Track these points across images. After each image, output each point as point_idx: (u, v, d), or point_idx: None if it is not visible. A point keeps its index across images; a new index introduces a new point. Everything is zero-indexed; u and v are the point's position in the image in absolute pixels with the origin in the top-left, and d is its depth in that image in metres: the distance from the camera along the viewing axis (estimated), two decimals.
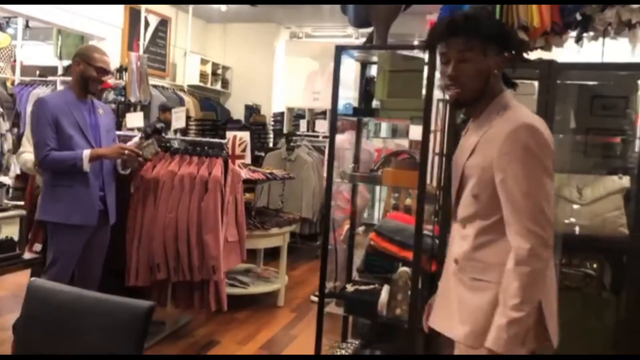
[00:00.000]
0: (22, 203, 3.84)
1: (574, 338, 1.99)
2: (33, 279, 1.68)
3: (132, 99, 5.65)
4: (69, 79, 3.17)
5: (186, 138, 3.91)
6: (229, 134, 4.27)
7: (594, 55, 2.72)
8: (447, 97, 2.60)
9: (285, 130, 7.41)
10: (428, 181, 2.59)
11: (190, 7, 7.39)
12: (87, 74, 2.84)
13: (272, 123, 7.79)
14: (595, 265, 2.61)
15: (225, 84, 8.15)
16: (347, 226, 3.30)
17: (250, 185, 4.69)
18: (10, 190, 5.36)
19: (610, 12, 2.42)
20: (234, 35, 8.14)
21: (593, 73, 2.70)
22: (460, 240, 1.68)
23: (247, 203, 4.38)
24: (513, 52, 1.64)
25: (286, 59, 8.23)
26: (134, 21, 6.54)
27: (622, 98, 2.66)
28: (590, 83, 2.76)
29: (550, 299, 1.60)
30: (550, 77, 2.40)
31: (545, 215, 1.49)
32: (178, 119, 4.10)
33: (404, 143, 5.29)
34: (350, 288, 2.77)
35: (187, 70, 7.54)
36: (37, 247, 3.30)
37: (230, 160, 3.58)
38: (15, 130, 4.93)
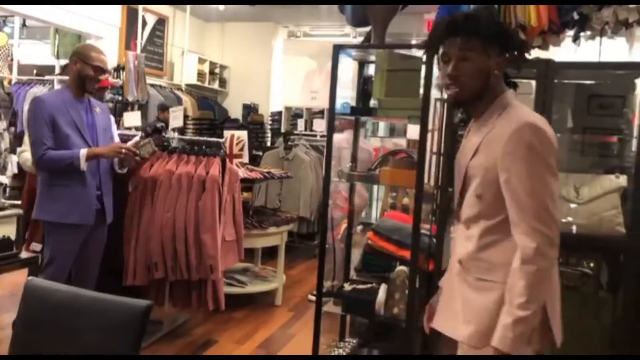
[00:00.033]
0: (19, 202, 3.83)
1: (571, 337, 1.99)
2: (30, 278, 1.68)
3: (130, 98, 5.65)
4: (66, 78, 3.17)
5: (184, 137, 3.91)
6: (227, 133, 4.28)
7: (591, 55, 2.72)
8: (445, 96, 2.61)
9: (283, 130, 7.41)
10: (425, 180, 2.59)
11: (188, 6, 7.38)
12: (84, 73, 2.84)
13: (270, 122, 7.78)
14: (592, 264, 2.61)
15: (223, 83, 8.14)
16: (344, 225, 3.31)
17: (247, 184, 4.69)
18: (7, 189, 5.35)
19: (608, 12, 2.43)
20: (231, 35, 8.13)
21: (590, 72, 2.71)
22: (464, 241, 1.67)
23: (245, 202, 4.37)
24: (515, 52, 1.64)
25: (284, 58, 8.22)
26: (131, 20, 6.53)
27: (619, 97, 2.67)
28: (588, 82, 2.76)
29: (554, 299, 1.60)
30: (547, 76, 2.40)
31: (551, 214, 1.49)
32: (175, 118, 4.10)
33: (401, 142, 5.29)
34: (347, 287, 2.77)
35: (184, 70, 7.53)
36: (36, 246, 3.30)
37: (227, 160, 3.57)
38: (12, 129, 4.92)
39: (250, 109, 7.88)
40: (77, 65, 2.85)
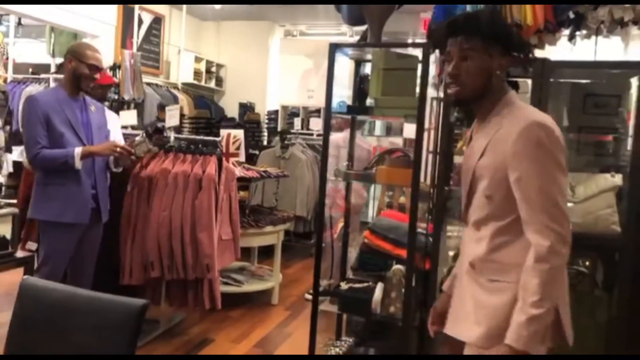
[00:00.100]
0: (14, 201, 3.82)
1: None
2: (26, 277, 1.67)
3: (126, 97, 5.63)
4: (61, 76, 3.15)
5: (180, 136, 3.90)
6: (223, 132, 4.27)
7: (587, 54, 2.73)
8: (442, 95, 2.62)
9: (279, 128, 7.41)
10: (422, 179, 2.60)
11: (184, 4, 7.36)
12: (79, 71, 2.83)
13: (267, 121, 7.77)
14: (587, 263, 2.62)
15: (219, 81, 8.13)
16: (341, 224, 3.31)
17: (244, 183, 4.68)
18: (3, 188, 5.33)
19: (603, 11, 2.44)
20: (228, 33, 8.11)
21: (586, 71, 2.72)
22: (474, 243, 1.66)
23: (241, 201, 4.37)
24: (517, 53, 1.65)
25: (280, 57, 8.22)
26: (127, 19, 6.51)
27: (615, 96, 2.68)
28: (583, 81, 2.77)
29: (564, 298, 1.60)
30: (543, 75, 2.41)
31: (562, 211, 1.50)
32: (172, 117, 4.09)
33: (398, 141, 5.29)
34: (344, 286, 2.77)
35: (181, 68, 7.51)
36: (32, 245, 3.29)
37: (224, 158, 3.57)
38: (8, 128, 4.90)
39: (246, 108, 7.87)
40: (72, 63, 2.84)
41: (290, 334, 3.90)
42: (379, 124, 6.31)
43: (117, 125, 3.68)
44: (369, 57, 2.87)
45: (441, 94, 2.65)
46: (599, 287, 2.66)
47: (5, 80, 5.91)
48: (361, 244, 2.85)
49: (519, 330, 1.46)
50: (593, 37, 2.64)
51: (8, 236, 3.07)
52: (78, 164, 2.75)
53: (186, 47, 7.60)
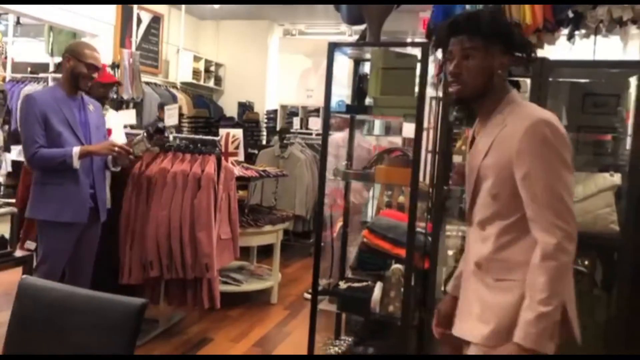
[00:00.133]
0: (13, 200, 3.81)
1: None
2: (24, 276, 1.67)
3: (125, 96, 5.63)
4: (60, 76, 3.15)
5: (180, 135, 3.90)
6: (222, 131, 4.26)
7: (586, 53, 2.73)
8: (441, 94, 2.62)
9: (278, 128, 7.40)
10: (421, 178, 2.60)
11: (183, 4, 7.36)
12: (77, 70, 2.82)
13: (266, 120, 7.77)
14: (586, 262, 2.62)
15: (218, 81, 8.12)
16: (340, 223, 3.31)
17: (243, 182, 4.68)
18: (2, 188, 5.33)
19: (602, 10, 2.44)
20: (227, 33, 8.11)
21: (585, 71, 2.72)
22: (479, 243, 1.66)
23: (240, 200, 4.37)
24: (519, 52, 1.65)
25: (279, 56, 8.21)
26: (126, 18, 6.50)
27: (614, 96, 2.67)
28: (582, 81, 2.77)
29: (571, 295, 1.60)
30: (542, 75, 2.41)
31: (568, 208, 1.50)
32: (170, 117, 4.09)
33: (397, 140, 5.29)
34: (343, 285, 2.77)
35: (179, 67, 7.51)
36: (30, 244, 3.28)
37: (223, 158, 3.57)
38: (6, 127, 4.90)
39: (245, 107, 7.87)
40: (70, 62, 2.83)
41: (289, 333, 3.90)
42: (378, 124, 6.31)
43: (120, 125, 3.67)
44: (368, 56, 2.87)
45: (440, 94, 2.65)
46: (598, 287, 2.67)
47: (3, 80, 5.91)
48: (360, 243, 2.85)
49: (528, 328, 1.46)
50: (592, 37, 2.64)
51: (7, 235, 3.07)
52: (76, 163, 2.75)
53: (185, 46, 7.59)
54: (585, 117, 2.71)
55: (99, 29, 6.00)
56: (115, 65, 5.76)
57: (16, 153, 4.85)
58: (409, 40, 6.41)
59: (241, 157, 4.33)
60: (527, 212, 1.54)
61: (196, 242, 3.29)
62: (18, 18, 6.72)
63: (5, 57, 6.14)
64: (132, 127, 4.33)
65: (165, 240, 3.30)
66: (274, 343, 3.72)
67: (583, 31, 2.64)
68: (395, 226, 2.77)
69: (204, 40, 8.15)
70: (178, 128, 5.70)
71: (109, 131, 3.38)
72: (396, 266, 2.66)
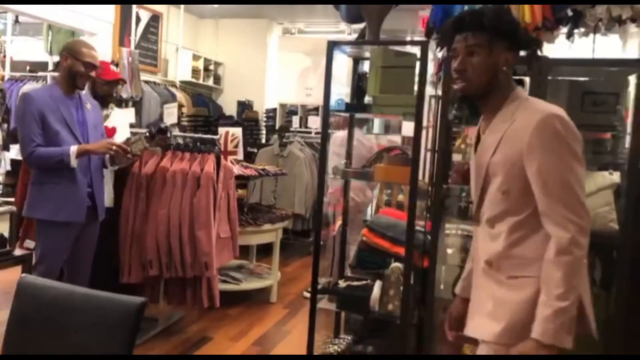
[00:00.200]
0: (12, 199, 3.81)
1: None
2: (24, 275, 1.67)
3: (124, 95, 5.62)
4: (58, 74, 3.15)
5: (179, 134, 3.90)
6: (222, 130, 4.26)
7: (585, 52, 2.73)
8: (440, 93, 2.62)
9: (277, 126, 7.40)
10: (420, 177, 2.60)
11: (182, 3, 7.35)
12: (74, 69, 2.81)
13: (265, 119, 7.76)
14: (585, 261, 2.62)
15: (217, 79, 8.11)
16: (339, 222, 3.31)
17: (242, 181, 4.68)
18: (1, 186, 5.32)
19: (601, 8, 2.44)
20: (226, 31, 8.10)
21: (584, 69, 2.71)
22: (489, 241, 1.65)
23: (240, 199, 4.37)
24: (524, 49, 1.64)
25: (279, 55, 8.20)
26: (125, 16, 6.49)
27: (613, 94, 2.67)
28: (581, 79, 2.76)
29: (587, 289, 1.61)
30: (541, 73, 2.41)
31: (581, 202, 1.50)
32: (170, 115, 4.09)
33: (396, 139, 5.30)
34: (342, 284, 2.77)
35: (179, 66, 7.50)
36: (30, 243, 3.28)
37: (222, 156, 3.57)
38: (5, 126, 4.89)
39: (244, 106, 7.86)
40: (67, 61, 2.82)
41: (288, 332, 3.90)
42: (377, 122, 6.31)
43: (126, 124, 3.65)
44: (367, 54, 2.87)
45: (439, 92, 2.65)
46: (597, 285, 2.66)
47: (2, 78, 5.90)
48: (359, 242, 2.85)
49: (546, 324, 1.46)
50: (591, 35, 2.64)
51: (6, 234, 3.07)
52: (74, 162, 2.74)
53: (184, 45, 7.58)
54: (584, 115, 2.70)
55: (97, 28, 5.99)
56: (114, 64, 5.75)
57: (15, 152, 4.84)
58: (408, 38, 6.41)
59: (240, 156, 4.33)
60: (539, 206, 1.53)
61: (195, 240, 3.29)
62: (17, 16, 6.71)
63: (4, 56, 6.13)
64: (131, 125, 4.32)
65: (165, 239, 3.30)
66: (274, 342, 3.72)
67: (582, 30, 2.64)
68: (395, 225, 2.77)
69: (203, 39, 8.14)
70: (183, 127, 5.71)
71: (114, 129, 3.38)
72: (395, 265, 2.66)
